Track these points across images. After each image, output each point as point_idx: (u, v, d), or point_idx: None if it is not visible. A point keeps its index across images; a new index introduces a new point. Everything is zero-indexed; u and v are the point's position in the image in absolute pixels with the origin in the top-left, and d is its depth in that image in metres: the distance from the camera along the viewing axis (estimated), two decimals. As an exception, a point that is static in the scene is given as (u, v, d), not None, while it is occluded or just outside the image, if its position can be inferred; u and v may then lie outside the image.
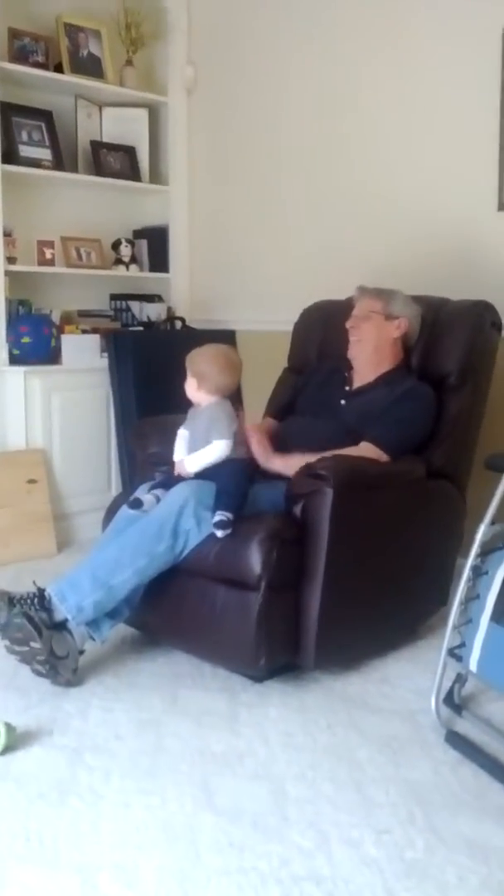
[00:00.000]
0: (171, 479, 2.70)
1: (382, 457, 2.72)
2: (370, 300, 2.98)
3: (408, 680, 2.62)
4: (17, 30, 4.01)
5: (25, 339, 3.95)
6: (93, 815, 1.91)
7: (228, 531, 2.47)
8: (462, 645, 2.29)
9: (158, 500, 2.62)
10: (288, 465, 2.71)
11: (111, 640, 2.70)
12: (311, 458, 2.61)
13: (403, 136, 3.65)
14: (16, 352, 3.96)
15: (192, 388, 2.72)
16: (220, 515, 2.48)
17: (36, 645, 2.40)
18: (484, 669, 2.24)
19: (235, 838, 1.83)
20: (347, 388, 3.01)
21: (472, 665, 2.25)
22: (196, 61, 4.47)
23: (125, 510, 2.69)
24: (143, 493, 2.68)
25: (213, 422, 2.65)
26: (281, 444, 2.89)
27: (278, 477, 2.73)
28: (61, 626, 2.48)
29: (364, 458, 2.69)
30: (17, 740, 2.20)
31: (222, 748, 2.22)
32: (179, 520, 2.51)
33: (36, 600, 2.50)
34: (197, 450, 2.68)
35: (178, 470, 2.72)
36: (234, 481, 2.60)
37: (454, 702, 2.41)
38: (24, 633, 2.39)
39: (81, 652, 2.54)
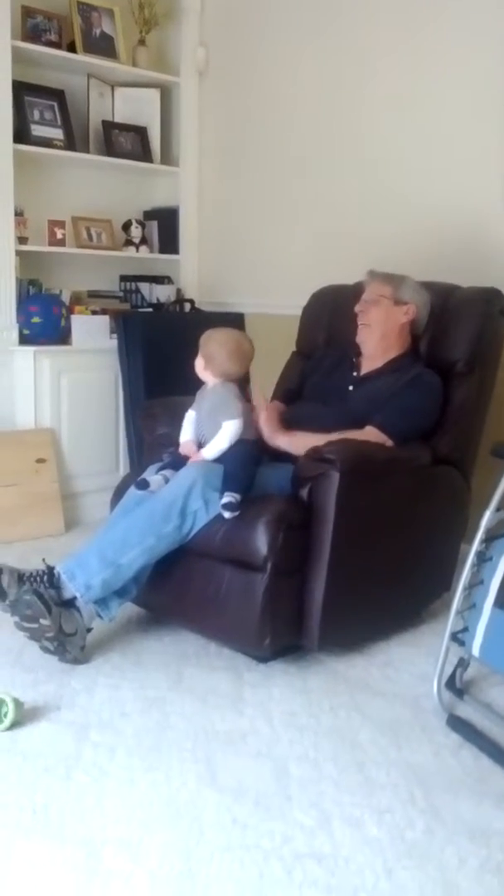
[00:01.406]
0: (179, 460, 2.72)
1: (387, 442, 2.73)
2: (380, 285, 2.99)
3: (410, 663, 2.64)
4: (31, 8, 3.99)
5: (35, 320, 3.96)
6: (98, 791, 1.94)
7: (236, 513, 2.49)
8: (465, 630, 2.31)
9: (167, 480, 2.65)
10: (292, 443, 2.73)
11: (118, 619, 2.72)
12: (316, 437, 2.63)
13: (414, 121, 3.63)
14: (26, 332, 3.97)
15: (199, 367, 2.76)
16: (228, 497, 2.50)
17: (45, 622, 2.42)
18: (486, 654, 2.26)
19: (238, 816, 1.86)
20: (356, 373, 3.02)
21: (475, 650, 2.28)
22: (208, 43, 4.46)
23: (133, 491, 2.71)
24: (152, 475, 2.70)
25: (220, 404, 2.68)
26: (288, 427, 2.89)
27: (285, 459, 2.74)
28: (70, 605, 2.51)
29: (370, 443, 2.70)
30: (25, 715, 2.23)
31: (226, 727, 2.24)
32: (187, 500, 2.53)
33: (45, 578, 2.53)
34: (202, 430, 2.72)
35: (183, 450, 2.74)
36: (242, 463, 2.63)
37: (456, 686, 2.43)
38: (34, 611, 2.41)
39: (89, 630, 2.57)
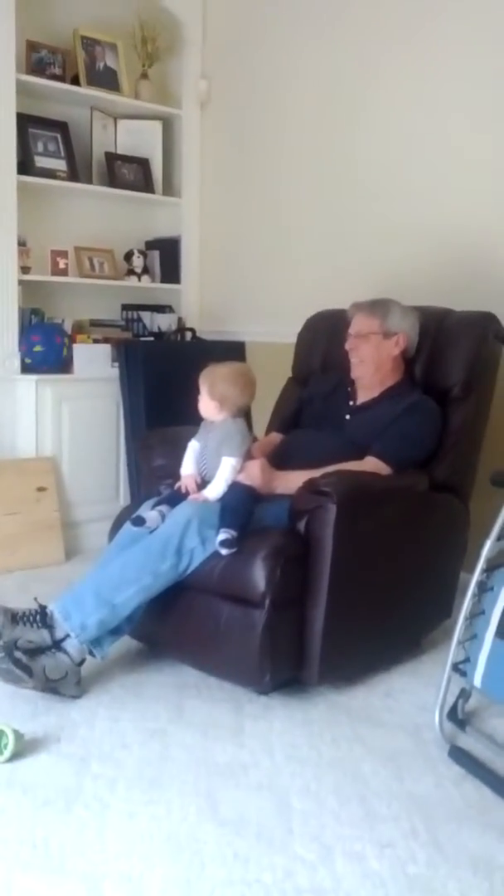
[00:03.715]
0: (175, 496, 2.70)
1: (386, 470, 2.73)
2: (366, 318, 2.97)
3: (411, 694, 2.63)
4: (35, 42, 4.06)
5: (37, 348, 3.99)
6: (98, 824, 1.93)
7: (233, 550, 2.48)
8: (466, 660, 2.31)
9: (163, 516, 2.62)
10: (289, 485, 2.66)
11: (117, 651, 2.71)
12: (310, 473, 2.61)
13: (413, 152, 3.66)
14: (28, 360, 3.99)
15: (211, 410, 2.72)
16: (224, 534, 2.48)
17: (27, 685, 2.40)
18: (488, 685, 2.26)
19: (240, 850, 1.85)
20: (352, 402, 3.02)
21: (477, 681, 2.27)
22: (210, 75, 4.52)
23: (128, 527, 2.67)
24: (147, 510, 2.67)
25: (227, 438, 2.67)
26: (285, 457, 2.88)
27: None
28: (58, 645, 2.47)
29: (367, 473, 2.69)
30: (25, 747, 2.22)
31: (227, 759, 2.23)
32: (184, 538, 2.51)
33: (38, 617, 2.51)
34: (207, 463, 2.71)
35: (184, 482, 2.72)
36: (239, 499, 2.61)
37: (458, 717, 2.41)
38: (13, 677, 2.39)
39: (81, 662, 2.53)
